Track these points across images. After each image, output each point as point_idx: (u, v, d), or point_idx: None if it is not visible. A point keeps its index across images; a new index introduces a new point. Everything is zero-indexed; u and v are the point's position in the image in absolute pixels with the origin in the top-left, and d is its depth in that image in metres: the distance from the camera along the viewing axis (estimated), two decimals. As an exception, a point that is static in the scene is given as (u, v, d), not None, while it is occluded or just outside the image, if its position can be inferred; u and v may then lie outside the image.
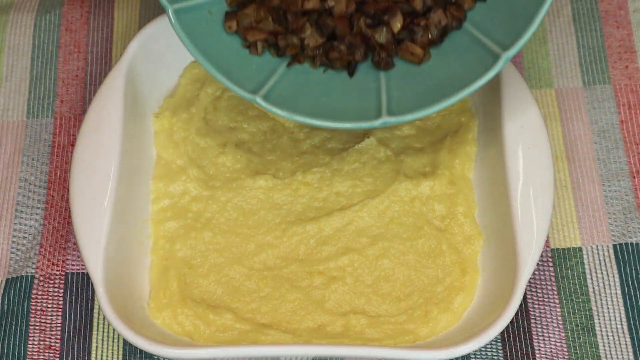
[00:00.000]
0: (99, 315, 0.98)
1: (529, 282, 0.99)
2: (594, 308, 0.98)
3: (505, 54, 0.87)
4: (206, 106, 1.04)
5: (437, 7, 0.93)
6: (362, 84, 0.94)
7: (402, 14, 0.93)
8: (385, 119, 0.90)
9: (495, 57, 0.88)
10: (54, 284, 1.00)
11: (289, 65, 0.94)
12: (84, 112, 1.09)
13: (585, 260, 1.00)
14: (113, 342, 0.97)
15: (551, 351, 0.96)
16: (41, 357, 0.96)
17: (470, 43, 0.92)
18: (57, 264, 1.00)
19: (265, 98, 0.91)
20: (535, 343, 0.96)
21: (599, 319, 0.97)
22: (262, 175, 1.00)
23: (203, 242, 0.98)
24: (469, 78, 0.89)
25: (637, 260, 1.00)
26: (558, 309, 0.98)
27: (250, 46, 0.95)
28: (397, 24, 0.93)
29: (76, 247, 1.01)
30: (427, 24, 0.93)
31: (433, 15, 0.93)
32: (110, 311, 0.88)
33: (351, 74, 0.94)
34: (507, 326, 0.97)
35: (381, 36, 0.93)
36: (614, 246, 1.01)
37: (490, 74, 0.88)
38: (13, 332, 0.97)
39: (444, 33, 0.94)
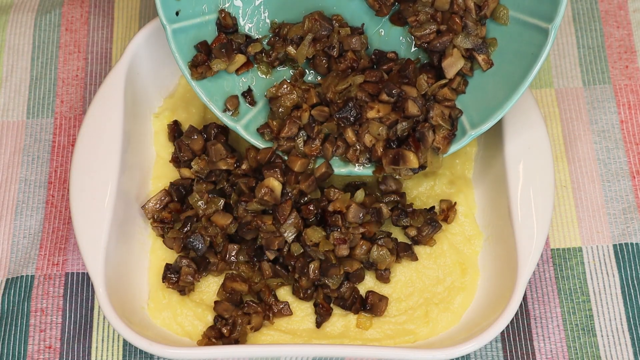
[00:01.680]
0: (99, 315, 0.98)
1: (529, 282, 0.99)
2: (594, 308, 0.98)
3: (472, 131, 0.92)
4: (206, 106, 1.04)
5: (432, 104, 0.93)
6: None
7: (410, 151, 0.92)
8: None
9: (463, 132, 0.93)
10: (54, 284, 1.00)
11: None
12: (84, 112, 1.09)
13: (585, 260, 1.00)
14: (113, 342, 0.97)
15: (551, 351, 0.96)
16: (41, 357, 0.96)
17: None
18: (57, 264, 1.00)
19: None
20: (535, 343, 0.96)
21: (599, 319, 0.97)
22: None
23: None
24: None
25: (637, 260, 1.00)
26: (558, 309, 0.98)
27: None
28: (414, 161, 0.92)
29: (76, 247, 1.01)
30: (433, 125, 0.93)
31: (434, 112, 0.92)
32: (110, 311, 0.88)
33: None
34: (507, 326, 0.97)
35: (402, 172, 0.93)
36: (614, 246, 1.01)
37: (457, 147, 0.93)
38: (13, 332, 0.97)
39: (453, 124, 0.94)
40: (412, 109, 0.92)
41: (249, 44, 0.98)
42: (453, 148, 0.93)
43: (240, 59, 0.97)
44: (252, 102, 0.98)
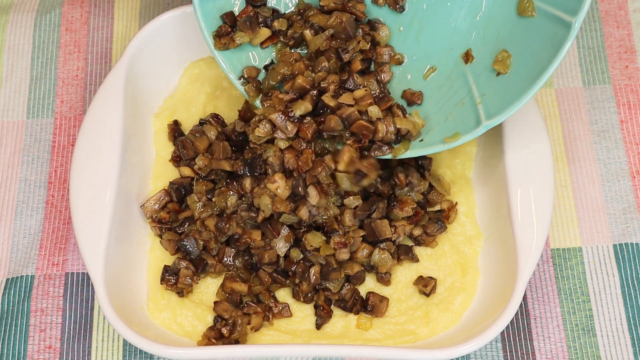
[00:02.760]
0: (99, 315, 0.98)
1: (529, 282, 0.99)
2: (594, 308, 0.98)
3: (487, 122, 0.91)
4: (206, 106, 1.04)
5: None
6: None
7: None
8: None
9: (478, 122, 0.92)
10: (54, 284, 1.00)
11: None
12: (84, 112, 1.09)
13: (585, 260, 1.00)
14: (113, 342, 0.97)
15: (551, 351, 0.96)
16: (41, 357, 0.96)
17: (467, 97, 0.95)
18: (57, 264, 1.00)
19: None
20: (535, 343, 0.96)
21: (599, 319, 0.97)
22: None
23: (202, 242, 0.98)
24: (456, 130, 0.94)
25: (637, 260, 1.00)
26: (558, 309, 0.98)
27: None
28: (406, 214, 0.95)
29: (76, 247, 1.01)
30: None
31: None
32: (110, 311, 0.88)
33: None
34: (507, 326, 0.97)
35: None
36: (614, 246, 1.01)
37: (471, 137, 0.92)
38: (13, 332, 0.97)
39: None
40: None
41: (275, 18, 0.98)
42: (467, 138, 0.92)
43: (264, 32, 0.97)
44: None
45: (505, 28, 0.94)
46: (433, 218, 0.96)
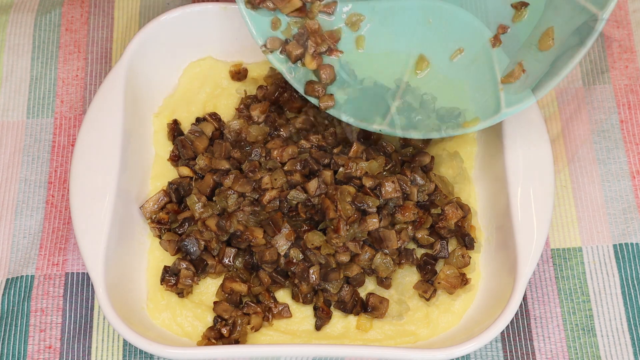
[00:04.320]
0: (99, 315, 0.98)
1: (529, 282, 0.99)
2: (594, 308, 0.98)
3: (506, 110, 0.92)
4: (206, 105, 1.04)
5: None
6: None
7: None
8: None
9: (497, 110, 0.93)
10: (54, 284, 1.00)
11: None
12: (84, 112, 1.09)
13: (585, 260, 1.00)
14: (113, 342, 0.97)
15: (551, 351, 0.96)
16: (41, 357, 0.96)
17: (491, 82, 0.95)
18: (57, 264, 1.00)
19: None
20: (535, 343, 0.96)
21: (599, 319, 0.97)
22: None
23: (202, 243, 0.98)
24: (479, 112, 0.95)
25: (637, 260, 1.00)
26: (558, 309, 0.98)
27: None
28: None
29: (76, 247, 1.01)
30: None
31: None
32: (110, 311, 0.88)
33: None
34: (507, 326, 0.97)
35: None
36: (614, 246, 1.01)
37: (489, 123, 0.93)
38: (13, 332, 0.97)
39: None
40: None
41: None
42: (485, 123, 0.93)
43: (295, 2, 0.97)
44: None
45: (534, 14, 0.93)
46: (436, 220, 0.96)
